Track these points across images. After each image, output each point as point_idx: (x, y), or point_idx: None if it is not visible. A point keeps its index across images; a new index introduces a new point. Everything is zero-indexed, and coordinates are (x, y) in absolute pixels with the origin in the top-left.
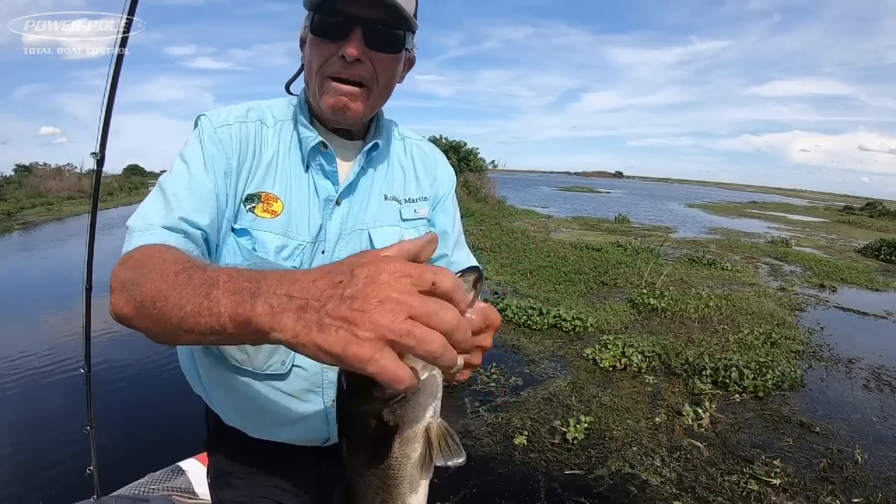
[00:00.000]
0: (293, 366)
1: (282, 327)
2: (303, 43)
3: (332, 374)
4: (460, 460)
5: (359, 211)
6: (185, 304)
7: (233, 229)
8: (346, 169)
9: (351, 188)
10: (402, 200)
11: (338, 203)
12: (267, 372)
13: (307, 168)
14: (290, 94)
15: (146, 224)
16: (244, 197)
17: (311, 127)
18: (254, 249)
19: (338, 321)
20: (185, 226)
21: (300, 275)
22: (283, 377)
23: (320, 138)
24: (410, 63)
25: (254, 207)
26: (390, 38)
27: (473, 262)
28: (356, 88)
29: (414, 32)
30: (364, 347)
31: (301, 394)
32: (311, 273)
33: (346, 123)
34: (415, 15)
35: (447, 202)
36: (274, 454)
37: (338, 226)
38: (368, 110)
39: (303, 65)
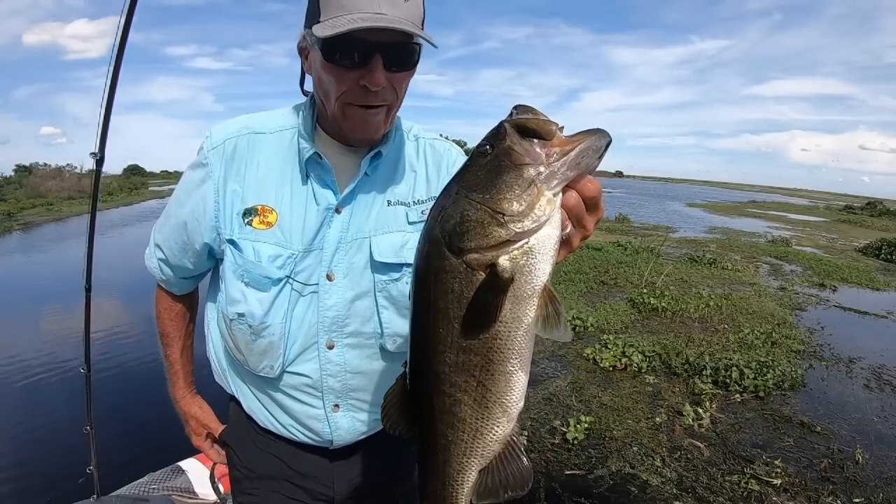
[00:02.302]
0: (285, 372)
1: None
2: (301, 50)
3: (332, 381)
4: (568, 335)
5: (360, 219)
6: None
7: (228, 240)
8: (348, 177)
9: (352, 196)
10: (409, 203)
11: (338, 211)
12: (260, 374)
13: (307, 177)
14: (305, 94)
15: (155, 259)
16: (242, 212)
17: (308, 138)
18: (245, 258)
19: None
20: (171, 270)
21: (178, 405)
22: (275, 379)
23: (314, 149)
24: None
25: (251, 221)
26: (408, 57)
27: None
28: (379, 116)
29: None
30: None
31: (300, 395)
32: (179, 410)
33: (369, 142)
34: (422, 23)
35: None
36: (285, 449)
37: (337, 234)
38: (389, 125)
39: (303, 69)
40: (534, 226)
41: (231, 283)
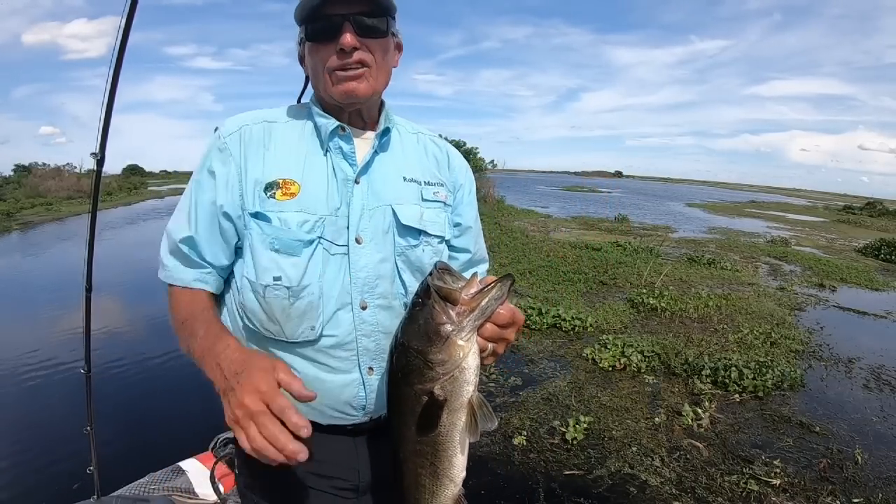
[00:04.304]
0: (322, 335)
1: (212, 378)
2: (301, 59)
3: (366, 341)
4: (494, 424)
5: (379, 188)
6: (185, 345)
7: (252, 214)
8: (362, 152)
9: (367, 168)
10: (421, 182)
11: (357, 182)
12: (299, 340)
13: (326, 152)
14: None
15: (170, 260)
16: (264, 186)
17: (327, 115)
18: (273, 227)
19: (227, 393)
20: (198, 266)
21: (229, 354)
22: (314, 343)
23: (338, 123)
24: (399, 47)
25: (274, 194)
26: (376, 25)
27: (485, 252)
28: (360, 70)
29: (393, 17)
30: (230, 415)
31: (336, 361)
32: (232, 357)
33: (358, 103)
34: (392, 7)
35: (470, 195)
36: (309, 437)
37: (360, 202)
38: (374, 88)
39: (307, 76)
40: (453, 367)
41: (261, 253)
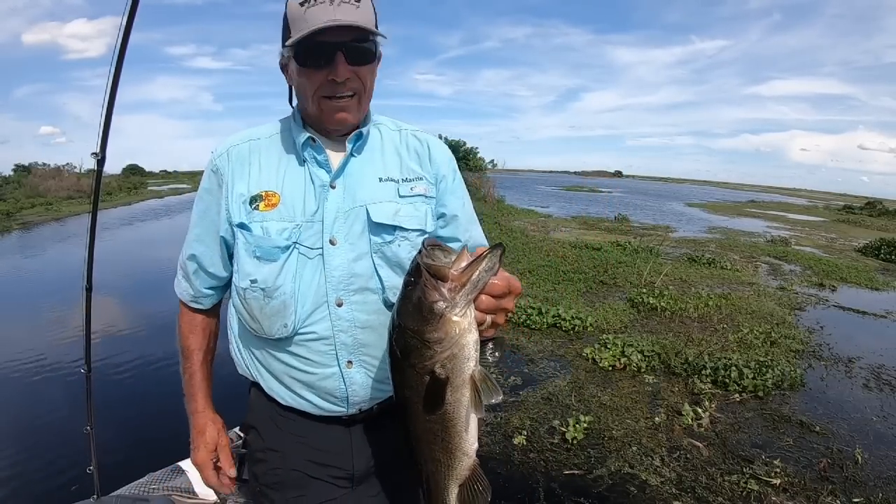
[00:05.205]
0: (297, 332)
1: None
2: (283, 67)
3: (344, 336)
4: (500, 397)
5: (354, 192)
6: (180, 365)
7: (237, 225)
8: (338, 158)
9: (342, 172)
10: (399, 180)
11: (332, 187)
12: (275, 336)
13: (303, 162)
14: (292, 107)
15: (183, 280)
16: (249, 199)
17: (301, 129)
18: (255, 236)
19: (193, 440)
20: (205, 276)
21: (197, 419)
22: (291, 339)
23: (308, 135)
24: (379, 58)
25: (258, 206)
26: (366, 52)
27: (481, 238)
28: (350, 100)
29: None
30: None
31: (316, 356)
32: (196, 423)
33: (346, 129)
34: (376, 24)
35: (454, 183)
36: (306, 426)
37: (335, 206)
38: (362, 113)
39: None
40: (451, 344)
41: (244, 260)
